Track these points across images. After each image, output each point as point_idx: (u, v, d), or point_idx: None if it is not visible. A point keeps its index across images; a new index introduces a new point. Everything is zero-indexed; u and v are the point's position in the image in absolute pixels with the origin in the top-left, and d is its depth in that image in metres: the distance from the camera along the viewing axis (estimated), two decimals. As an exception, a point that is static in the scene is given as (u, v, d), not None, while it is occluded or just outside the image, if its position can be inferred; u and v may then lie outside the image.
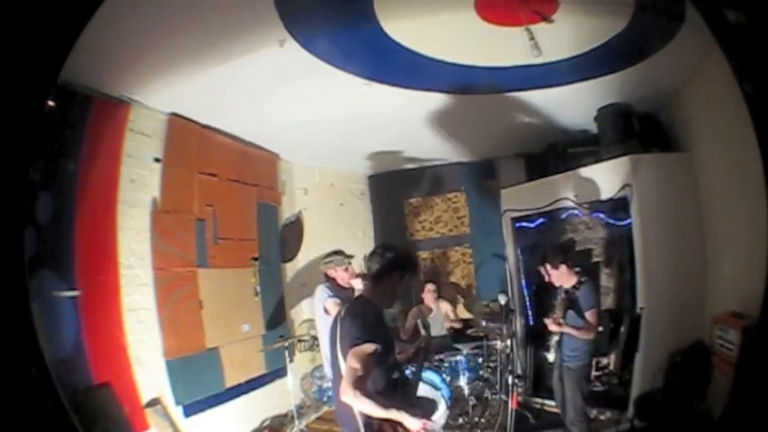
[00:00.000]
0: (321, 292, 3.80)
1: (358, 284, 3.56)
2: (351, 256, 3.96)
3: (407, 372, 2.74)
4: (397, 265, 2.42)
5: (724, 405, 2.10)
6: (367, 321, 2.27)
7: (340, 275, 3.87)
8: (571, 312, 3.63)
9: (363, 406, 2.15)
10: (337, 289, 3.80)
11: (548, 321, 3.64)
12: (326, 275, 3.91)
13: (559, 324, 3.59)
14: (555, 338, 3.74)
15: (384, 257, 2.41)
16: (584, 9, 3.00)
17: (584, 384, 3.71)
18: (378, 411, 2.14)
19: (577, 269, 3.74)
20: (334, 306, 3.57)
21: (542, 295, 4.99)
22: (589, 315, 3.54)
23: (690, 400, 3.45)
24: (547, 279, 3.80)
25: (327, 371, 3.65)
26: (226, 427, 4.14)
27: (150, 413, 3.50)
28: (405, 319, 5.15)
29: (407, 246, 2.87)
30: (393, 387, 2.36)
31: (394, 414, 2.14)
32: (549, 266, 3.73)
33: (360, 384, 2.12)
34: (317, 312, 3.91)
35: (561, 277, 3.69)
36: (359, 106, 4.16)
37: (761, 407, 1.62)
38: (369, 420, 2.21)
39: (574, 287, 3.63)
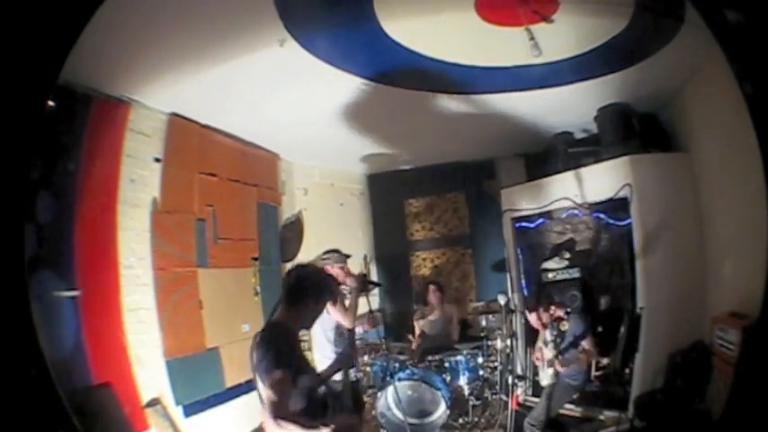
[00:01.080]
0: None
1: (352, 283, 3.56)
2: (348, 256, 3.96)
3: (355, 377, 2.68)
4: (311, 290, 2.32)
5: (724, 405, 2.10)
6: (276, 348, 2.23)
7: (336, 273, 3.85)
8: (568, 347, 3.67)
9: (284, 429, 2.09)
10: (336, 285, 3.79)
11: (558, 366, 3.62)
12: None
13: (565, 365, 3.61)
14: (551, 370, 3.73)
15: (297, 280, 2.32)
16: (585, 9, 3.00)
17: (566, 401, 3.74)
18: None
19: (559, 302, 3.80)
20: (330, 306, 3.56)
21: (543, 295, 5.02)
22: (585, 343, 3.57)
23: (690, 400, 3.45)
24: (533, 323, 3.85)
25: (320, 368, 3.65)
26: (226, 427, 4.13)
27: (150, 413, 3.50)
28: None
29: (321, 269, 2.81)
30: (320, 404, 2.32)
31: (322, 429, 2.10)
32: (527, 313, 3.78)
33: (279, 412, 2.08)
34: None
35: (536, 321, 3.77)
36: (359, 106, 4.16)
37: (761, 407, 1.62)
38: None
39: (563, 322, 3.66)
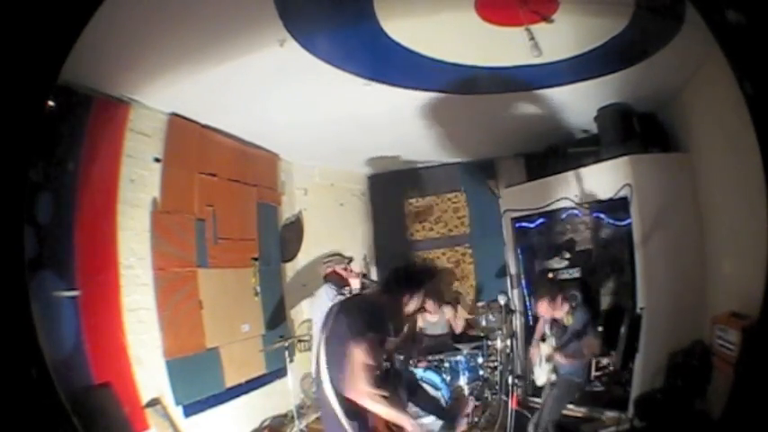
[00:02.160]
0: (328, 290, 3.79)
1: (356, 284, 3.57)
2: (350, 258, 3.97)
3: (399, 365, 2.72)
4: (407, 286, 2.39)
5: (724, 405, 2.10)
6: (368, 315, 2.26)
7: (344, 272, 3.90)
8: (570, 340, 3.65)
9: (374, 404, 2.10)
10: (342, 285, 3.82)
11: (559, 358, 3.62)
12: (327, 275, 3.91)
13: (568, 357, 3.59)
14: (550, 365, 3.73)
15: (400, 276, 2.40)
16: (584, 9, 3.00)
17: (570, 399, 3.72)
18: (385, 411, 2.11)
19: (565, 296, 3.78)
20: None
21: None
22: (588, 338, 3.55)
23: (690, 400, 3.46)
24: (534, 311, 3.83)
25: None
26: (226, 427, 4.13)
27: (150, 413, 3.50)
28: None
29: (433, 271, 2.83)
30: (384, 378, 2.35)
31: (397, 417, 2.12)
32: (537, 302, 3.79)
33: (371, 380, 2.07)
34: (322, 311, 3.91)
35: (548, 310, 3.73)
36: (359, 106, 4.16)
37: (761, 407, 1.62)
38: (362, 421, 2.17)
39: (567, 315, 3.64)
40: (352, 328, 2.21)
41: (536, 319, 4.91)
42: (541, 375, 3.80)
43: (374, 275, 6.13)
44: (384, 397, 2.11)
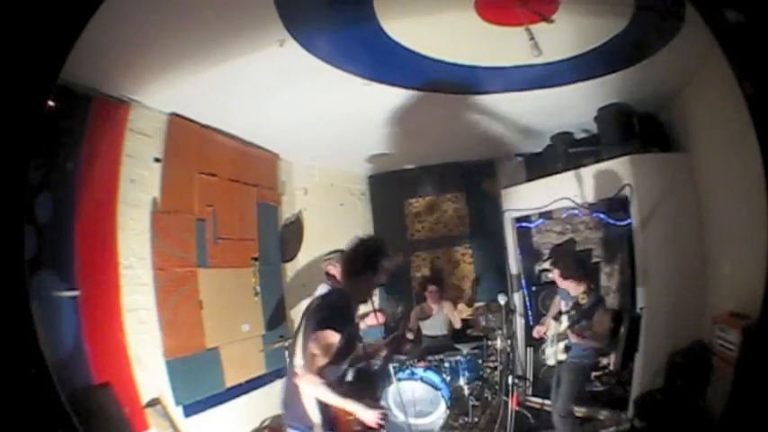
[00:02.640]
0: (323, 288, 3.80)
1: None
2: None
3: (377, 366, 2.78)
4: (374, 260, 2.41)
5: (724, 405, 2.10)
6: (335, 310, 2.32)
7: (338, 270, 3.89)
8: (583, 318, 3.64)
9: (319, 391, 2.18)
10: (336, 283, 3.81)
11: (572, 337, 3.61)
12: (327, 273, 3.92)
13: (580, 335, 3.58)
14: (562, 344, 3.72)
15: (357, 251, 2.42)
16: (585, 9, 3.00)
17: (583, 382, 3.71)
18: (333, 399, 2.18)
19: (587, 276, 3.76)
20: None
21: (542, 295, 5.02)
22: (599, 324, 3.54)
23: (690, 400, 3.46)
24: (550, 278, 3.81)
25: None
26: (226, 427, 4.13)
27: (150, 413, 3.50)
28: (408, 318, 5.16)
29: (381, 240, 2.86)
30: (356, 379, 2.40)
31: (349, 405, 2.19)
32: (558, 273, 3.73)
33: (319, 371, 2.16)
34: None
35: (569, 286, 3.71)
36: (359, 106, 4.16)
37: (761, 407, 1.62)
38: (324, 412, 2.23)
39: (583, 294, 3.63)
40: (315, 319, 2.32)
41: (536, 318, 4.94)
42: (553, 355, 3.79)
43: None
44: (332, 386, 2.20)
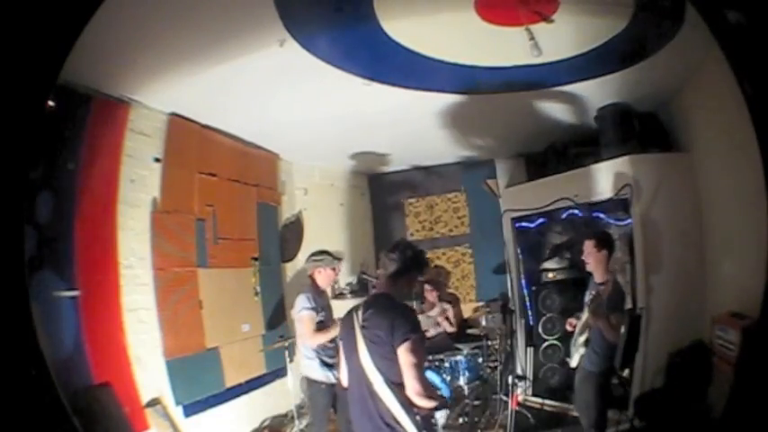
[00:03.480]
0: (299, 301, 3.58)
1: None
2: (339, 258, 3.85)
3: None
4: (416, 263, 2.47)
5: (724, 405, 2.10)
6: (407, 314, 2.33)
7: (325, 275, 3.71)
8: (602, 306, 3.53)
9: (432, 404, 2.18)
10: (316, 293, 3.64)
11: (588, 317, 3.49)
12: (311, 276, 3.73)
13: (595, 319, 3.42)
14: (583, 338, 3.65)
15: (405, 255, 2.44)
16: (585, 9, 3.00)
17: (607, 389, 3.61)
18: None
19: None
20: (308, 320, 3.49)
21: (542, 295, 5.02)
22: (615, 316, 3.41)
23: (690, 400, 3.45)
24: (583, 257, 3.62)
25: (317, 375, 3.59)
26: (226, 427, 4.14)
27: (150, 413, 3.50)
28: None
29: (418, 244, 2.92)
30: None
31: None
32: (592, 243, 3.51)
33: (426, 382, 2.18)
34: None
35: (598, 265, 3.51)
36: (359, 106, 4.16)
37: (761, 407, 1.62)
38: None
39: (603, 283, 3.54)
40: (399, 330, 2.24)
41: (536, 318, 4.94)
42: (575, 350, 3.70)
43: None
44: None
